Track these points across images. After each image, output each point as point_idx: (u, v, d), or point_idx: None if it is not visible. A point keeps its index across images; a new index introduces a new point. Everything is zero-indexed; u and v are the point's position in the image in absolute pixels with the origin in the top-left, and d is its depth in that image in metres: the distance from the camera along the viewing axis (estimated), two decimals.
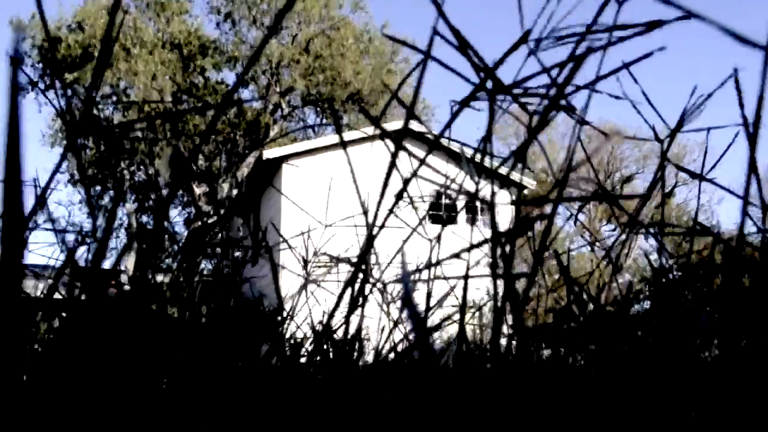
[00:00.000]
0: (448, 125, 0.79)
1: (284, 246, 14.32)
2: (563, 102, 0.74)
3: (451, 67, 0.73)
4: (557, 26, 0.73)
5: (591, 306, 1.02)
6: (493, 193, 0.75)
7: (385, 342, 1.10)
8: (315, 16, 25.79)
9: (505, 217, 18.94)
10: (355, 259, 0.81)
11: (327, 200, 16.34)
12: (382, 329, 1.20)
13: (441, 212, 18.26)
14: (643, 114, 1.11)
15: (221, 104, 0.63)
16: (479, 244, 0.75)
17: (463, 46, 0.69)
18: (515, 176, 18.21)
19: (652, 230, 1.19)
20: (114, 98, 26.17)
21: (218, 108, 0.59)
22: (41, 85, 26.67)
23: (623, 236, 1.14)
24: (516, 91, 0.73)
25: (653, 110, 1.09)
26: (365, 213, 0.77)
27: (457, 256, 0.80)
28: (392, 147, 0.72)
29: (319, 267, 1.60)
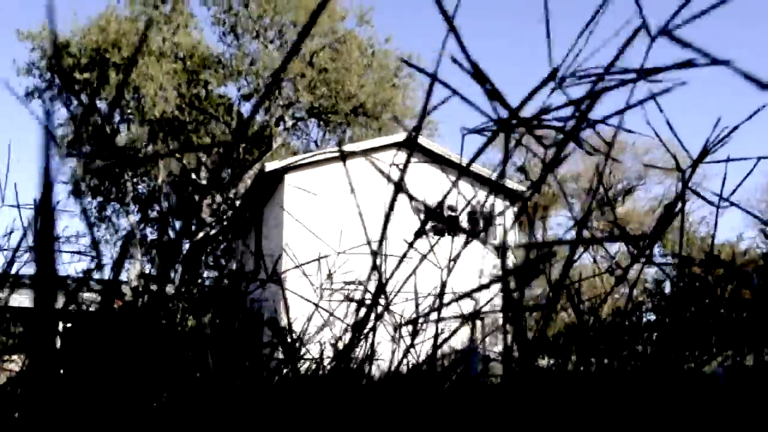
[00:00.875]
0: (476, 156, 0.80)
1: (291, 260, 14.34)
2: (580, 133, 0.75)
3: (468, 99, 0.74)
4: (582, 62, 0.74)
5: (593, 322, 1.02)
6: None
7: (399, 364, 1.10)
8: (320, 30, 25.91)
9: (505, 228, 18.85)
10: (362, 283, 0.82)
11: (328, 215, 16.34)
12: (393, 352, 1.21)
13: (442, 224, 18.21)
14: (665, 143, 1.11)
15: (237, 130, 0.63)
16: (489, 284, 0.75)
17: (481, 78, 0.69)
18: (517, 188, 18.22)
19: (667, 260, 1.19)
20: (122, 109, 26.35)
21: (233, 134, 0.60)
22: (49, 94, 26.81)
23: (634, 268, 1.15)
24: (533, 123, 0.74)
25: (677, 140, 1.09)
26: (372, 251, 0.78)
27: (469, 295, 0.80)
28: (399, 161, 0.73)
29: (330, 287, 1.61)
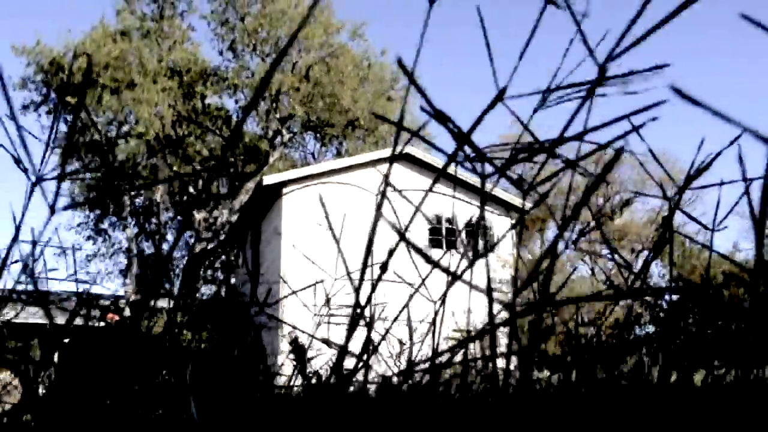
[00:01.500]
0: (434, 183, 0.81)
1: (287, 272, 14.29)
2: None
3: (437, 146, 0.75)
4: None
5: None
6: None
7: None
8: (315, 44, 26.01)
9: (504, 241, 18.91)
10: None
11: (327, 226, 16.28)
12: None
13: (441, 236, 18.26)
14: (650, 172, 1.12)
15: (230, 138, 0.64)
16: (489, 330, 0.75)
17: (443, 119, 0.71)
18: (516, 201, 18.26)
19: (665, 293, 1.20)
20: (117, 124, 26.37)
21: (228, 141, 0.60)
22: (43, 108, 26.91)
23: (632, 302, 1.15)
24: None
25: (661, 168, 1.11)
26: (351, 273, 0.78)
27: (457, 348, 0.80)
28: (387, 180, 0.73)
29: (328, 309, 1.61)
